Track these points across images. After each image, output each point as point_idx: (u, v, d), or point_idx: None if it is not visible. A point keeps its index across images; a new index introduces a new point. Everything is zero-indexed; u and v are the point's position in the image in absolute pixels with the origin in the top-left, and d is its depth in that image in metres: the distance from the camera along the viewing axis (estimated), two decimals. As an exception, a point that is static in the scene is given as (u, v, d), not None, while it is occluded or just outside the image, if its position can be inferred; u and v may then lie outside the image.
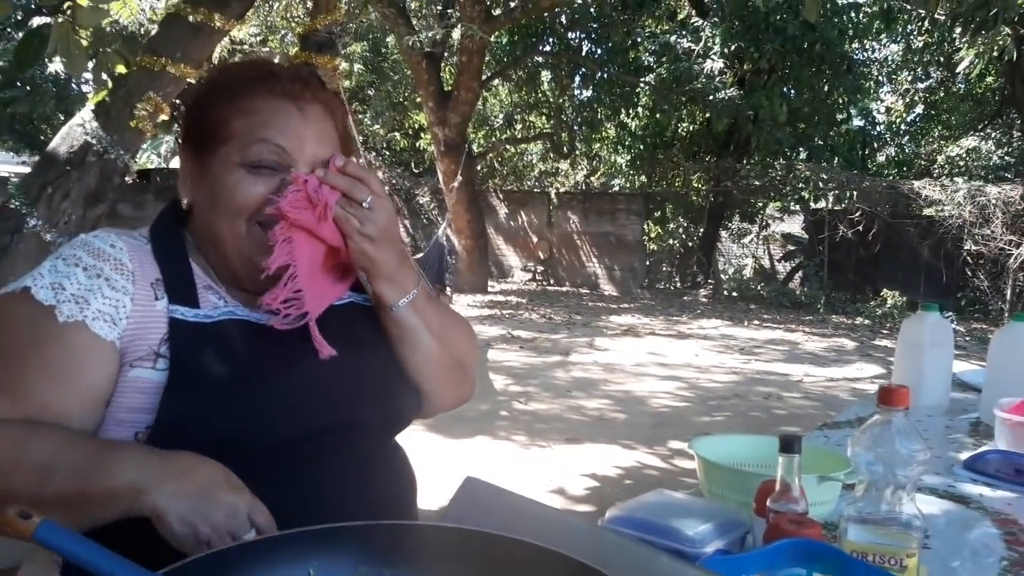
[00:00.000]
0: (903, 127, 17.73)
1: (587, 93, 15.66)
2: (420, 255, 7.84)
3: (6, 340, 0.97)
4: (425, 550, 0.80)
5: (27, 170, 7.97)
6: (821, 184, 13.77)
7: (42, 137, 16.46)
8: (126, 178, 4.13)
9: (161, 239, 1.06)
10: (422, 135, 17.03)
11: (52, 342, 0.94)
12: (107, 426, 0.97)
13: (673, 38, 13.39)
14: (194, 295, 1.02)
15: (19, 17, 10.68)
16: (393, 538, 0.82)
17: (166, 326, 0.98)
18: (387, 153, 18.92)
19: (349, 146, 1.13)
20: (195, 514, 0.82)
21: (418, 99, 14.20)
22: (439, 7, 13.45)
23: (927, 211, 12.32)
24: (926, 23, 12.27)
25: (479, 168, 15.91)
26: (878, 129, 17.55)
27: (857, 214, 12.58)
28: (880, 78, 16.48)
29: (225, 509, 0.83)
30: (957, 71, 12.13)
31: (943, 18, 10.05)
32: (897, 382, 1.73)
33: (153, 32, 4.27)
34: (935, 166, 16.53)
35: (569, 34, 15.23)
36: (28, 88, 15.24)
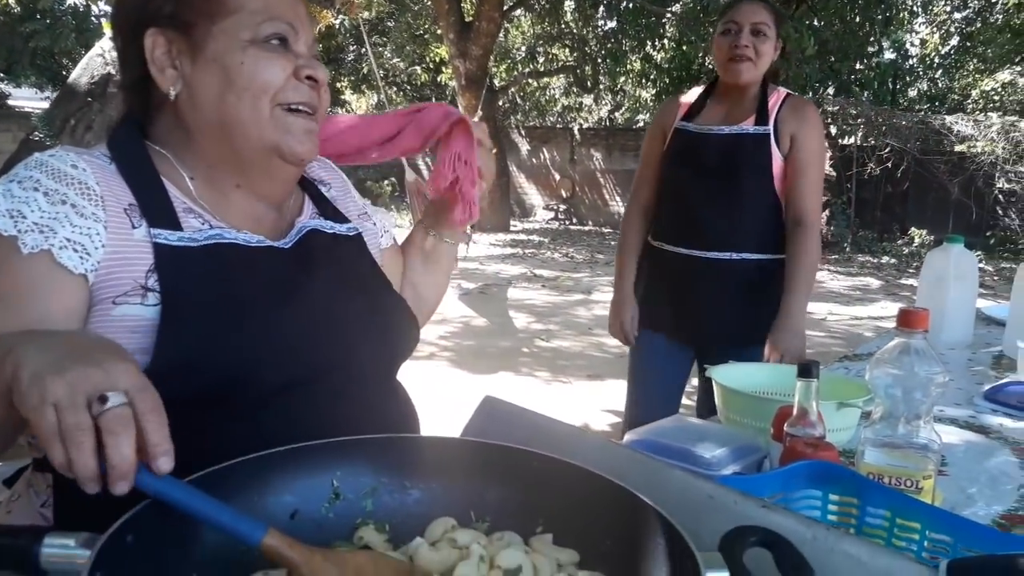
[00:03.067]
0: (937, 60, 17.19)
1: (611, 24, 15.28)
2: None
3: None
4: (444, 462, 0.82)
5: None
6: (850, 120, 13.45)
7: (63, 72, 16.41)
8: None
9: (127, 157, 0.96)
10: (443, 69, 16.77)
11: (7, 272, 0.85)
12: None
13: (701, -34, 12.97)
14: (174, 216, 0.94)
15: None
16: (414, 451, 0.83)
17: (151, 255, 0.90)
18: (407, 87, 18.71)
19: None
20: (49, 367, 0.64)
21: (438, 31, 13.94)
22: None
23: (958, 147, 12.03)
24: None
25: (501, 103, 15.70)
26: (910, 62, 17.03)
27: (886, 150, 12.32)
28: (915, 8, 15.92)
29: (87, 366, 0.64)
30: (995, 0, 11.69)
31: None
32: (920, 313, 1.72)
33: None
34: (969, 101, 16.07)
35: (594, -38, 14.81)
36: (48, 21, 15.14)
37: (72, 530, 0.63)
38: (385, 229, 1.25)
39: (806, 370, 1.11)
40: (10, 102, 17.38)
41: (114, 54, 3.87)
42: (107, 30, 3.84)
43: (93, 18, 15.12)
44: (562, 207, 16.02)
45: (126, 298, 0.88)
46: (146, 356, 0.84)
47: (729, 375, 1.49)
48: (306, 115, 0.99)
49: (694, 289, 2.27)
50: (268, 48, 0.95)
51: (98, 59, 3.69)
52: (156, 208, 0.93)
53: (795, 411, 1.12)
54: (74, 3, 13.77)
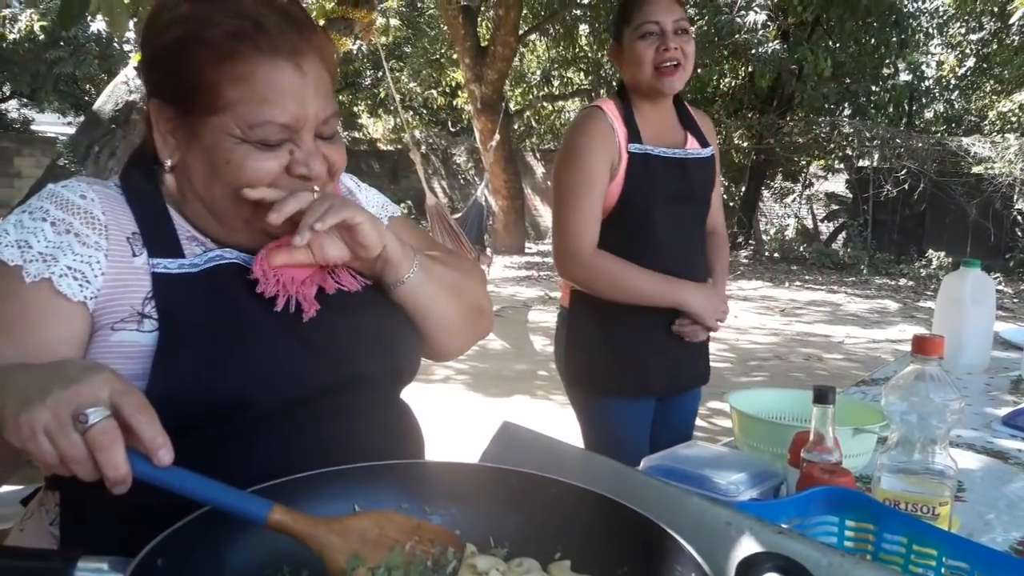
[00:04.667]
0: (953, 81, 17.15)
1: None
2: (459, 215, 7.88)
3: None
4: (464, 488, 0.83)
5: (72, 132, 8.10)
6: (866, 141, 13.43)
7: (86, 98, 16.70)
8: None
9: (135, 187, 0.98)
10: (459, 93, 16.92)
11: (12, 300, 0.88)
12: None
13: (715, -10, 13.05)
14: (177, 245, 0.95)
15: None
16: (433, 477, 0.85)
17: (149, 283, 0.91)
18: (424, 112, 18.88)
19: (336, 73, 1.02)
20: (32, 396, 0.67)
21: (455, 55, 14.08)
22: (476, -39, 13.26)
23: (976, 169, 11.98)
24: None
25: (516, 127, 15.79)
26: (926, 84, 17.00)
27: (903, 172, 12.28)
28: (930, 30, 15.92)
29: (65, 387, 0.67)
30: (1011, 21, 11.68)
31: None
32: (937, 338, 1.72)
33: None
34: (985, 122, 16.00)
35: (608, -13, 14.92)
36: (71, 48, 15.42)
37: (76, 547, 0.66)
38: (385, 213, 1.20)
39: (822, 396, 1.12)
40: (33, 127, 17.66)
41: (138, 81, 3.95)
42: (133, 59, 3.92)
43: (116, 44, 15.39)
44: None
45: (123, 324, 0.89)
46: (143, 382, 0.85)
47: (746, 401, 1.50)
48: None
49: (670, 333, 2.00)
50: (260, 147, 0.92)
51: (122, 87, 3.77)
52: (158, 237, 0.95)
53: (811, 437, 1.13)
54: (98, 30, 14.03)
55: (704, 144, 2.04)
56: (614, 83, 15.82)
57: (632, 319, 1.97)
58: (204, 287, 0.93)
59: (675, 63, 1.88)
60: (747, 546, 0.76)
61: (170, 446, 0.68)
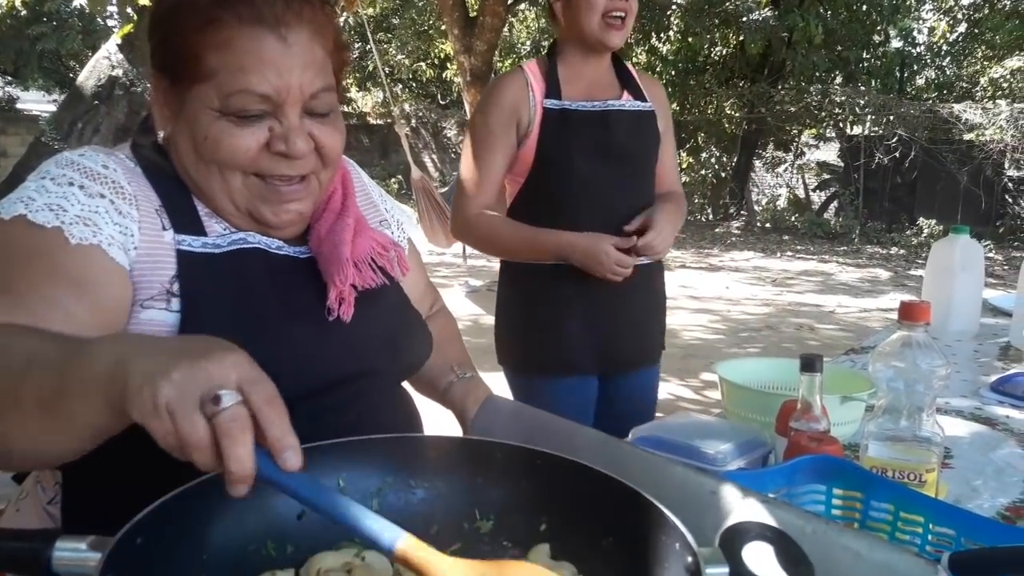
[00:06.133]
0: (944, 48, 17.08)
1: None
2: (445, 189, 7.82)
3: (7, 265, 0.83)
4: (449, 462, 0.82)
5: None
6: (858, 109, 13.39)
7: (71, 75, 16.49)
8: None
9: (151, 160, 0.96)
10: (448, 65, 16.77)
11: (63, 259, 0.83)
12: None
13: (705, -43, 12.93)
14: (198, 221, 0.94)
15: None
16: (418, 450, 0.84)
17: (175, 261, 0.90)
18: (413, 84, 18.71)
19: (343, 56, 0.99)
20: (158, 368, 0.59)
21: (443, 26, 13.94)
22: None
23: (967, 136, 11.97)
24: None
25: (506, 98, 15.65)
26: (918, 50, 16.93)
27: (894, 140, 12.26)
28: (921, -5, 15.84)
29: (197, 362, 0.59)
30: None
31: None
32: (925, 305, 1.72)
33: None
34: (977, 88, 15.97)
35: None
36: (54, 24, 15.21)
37: (79, 528, 0.64)
38: (404, 234, 1.21)
39: (810, 364, 1.12)
40: (18, 105, 17.45)
41: (120, 56, 3.90)
42: (115, 35, 3.85)
43: (99, 19, 15.17)
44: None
45: (153, 302, 0.88)
46: None
47: (734, 370, 1.50)
48: (285, 183, 0.94)
49: (609, 304, 1.90)
50: (237, 122, 0.90)
51: (104, 62, 3.72)
52: (181, 212, 0.93)
53: (799, 405, 1.13)
54: (80, 5, 13.82)
55: (641, 99, 1.96)
56: (604, 53, 15.75)
57: (554, 292, 1.90)
58: (227, 269, 0.92)
59: (622, 15, 1.85)
60: (732, 515, 0.76)
61: (299, 448, 0.61)
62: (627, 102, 1.94)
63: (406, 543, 0.60)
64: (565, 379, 1.92)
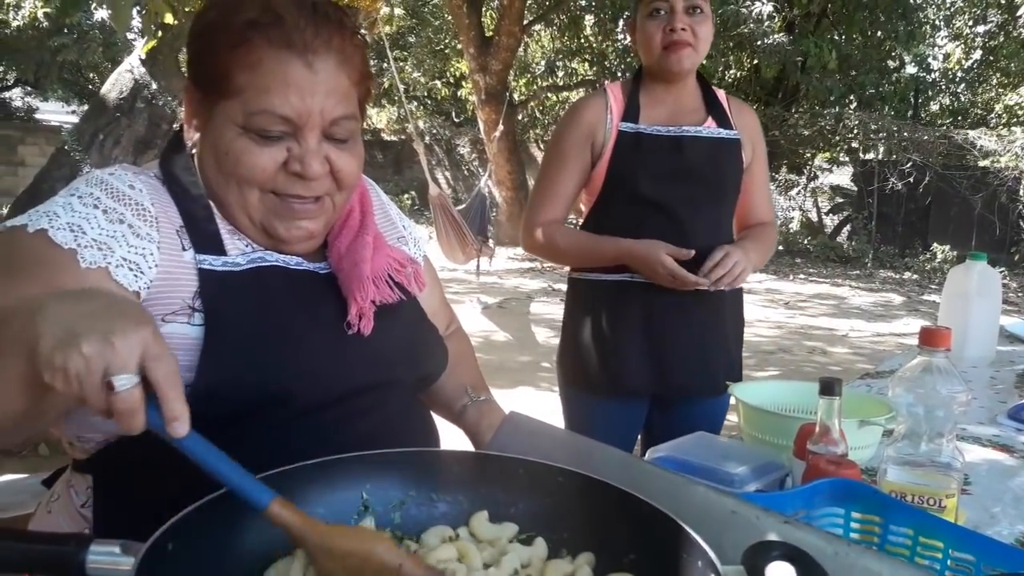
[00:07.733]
0: (959, 74, 17.08)
1: (630, 38, 15.31)
2: (462, 206, 7.86)
3: (17, 263, 0.87)
4: (471, 476, 0.83)
5: (76, 120, 8.10)
6: (871, 134, 13.39)
7: (90, 86, 16.68)
8: (174, 125, 4.20)
9: (177, 179, 0.99)
10: (463, 84, 16.87)
11: (68, 284, 0.86)
12: None
13: (721, -19, 12.99)
14: (219, 241, 0.97)
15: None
16: (441, 465, 0.85)
17: (196, 279, 0.93)
18: (428, 102, 18.83)
19: (369, 86, 1.02)
20: (69, 337, 0.64)
21: (459, 45, 14.04)
22: (481, -49, 13.21)
23: (982, 162, 11.94)
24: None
25: (520, 117, 15.74)
26: (933, 76, 16.93)
27: (908, 165, 12.25)
28: (936, 22, 15.84)
29: (108, 338, 0.64)
30: (1019, 14, 11.62)
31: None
32: (942, 331, 1.72)
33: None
34: (991, 115, 15.95)
35: (613, -23, 14.85)
36: (75, 36, 15.40)
37: (112, 531, 0.66)
38: (421, 250, 1.23)
39: (828, 388, 1.12)
40: (37, 116, 17.65)
41: (143, 70, 3.95)
42: (139, 50, 3.91)
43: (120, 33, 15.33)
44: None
45: (175, 317, 0.91)
46: (190, 373, 0.86)
47: (750, 393, 1.50)
48: (299, 201, 0.97)
49: (671, 325, 1.88)
50: (258, 140, 0.93)
51: (127, 75, 3.77)
52: (202, 233, 0.96)
53: (817, 429, 1.13)
54: (102, 18, 13.99)
55: (726, 127, 1.94)
56: (619, 74, 15.82)
57: (614, 309, 1.89)
58: (248, 286, 0.95)
59: (683, 43, 1.84)
60: (753, 535, 0.76)
61: (186, 419, 0.67)
62: (707, 128, 1.92)
63: (277, 504, 0.70)
64: (614, 398, 1.92)
